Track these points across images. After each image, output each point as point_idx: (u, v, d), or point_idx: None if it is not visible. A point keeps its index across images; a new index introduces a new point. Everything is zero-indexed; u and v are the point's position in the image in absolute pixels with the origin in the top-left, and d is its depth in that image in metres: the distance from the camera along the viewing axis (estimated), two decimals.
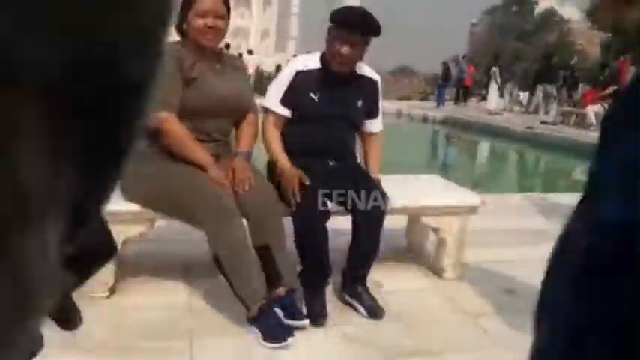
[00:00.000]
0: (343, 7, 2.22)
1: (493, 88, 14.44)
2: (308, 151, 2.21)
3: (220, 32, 2.03)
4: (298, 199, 2.04)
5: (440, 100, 15.66)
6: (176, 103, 1.95)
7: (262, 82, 21.27)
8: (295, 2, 60.75)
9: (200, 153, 1.98)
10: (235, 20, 51.82)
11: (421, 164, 7.06)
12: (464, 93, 16.65)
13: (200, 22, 1.99)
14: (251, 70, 18.67)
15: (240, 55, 15.27)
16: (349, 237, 2.18)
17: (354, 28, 2.11)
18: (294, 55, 21.91)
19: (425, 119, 13.38)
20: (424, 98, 20.60)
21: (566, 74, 12.84)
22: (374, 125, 2.39)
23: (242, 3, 54.63)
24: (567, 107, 12.33)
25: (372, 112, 2.35)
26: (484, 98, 16.01)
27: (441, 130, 12.11)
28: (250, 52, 19.46)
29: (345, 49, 2.12)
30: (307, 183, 2.08)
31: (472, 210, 2.49)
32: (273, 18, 57.40)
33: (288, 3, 60.19)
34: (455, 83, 16.68)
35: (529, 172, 8.71)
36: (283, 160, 2.17)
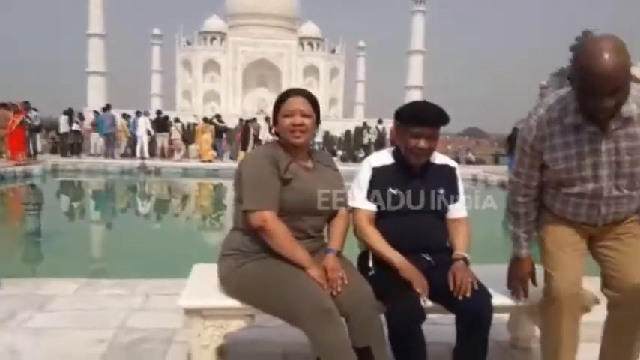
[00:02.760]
0: (407, 105, 2.23)
1: None
2: (399, 247, 2.14)
3: (308, 130, 2.09)
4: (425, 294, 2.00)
5: (511, 165, 15.44)
6: (276, 202, 2.00)
7: (333, 146, 22.08)
8: (361, 70, 64.97)
9: (299, 252, 1.99)
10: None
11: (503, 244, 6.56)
12: None
13: (287, 121, 2.06)
14: (319, 139, 18.96)
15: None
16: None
17: (426, 122, 2.13)
18: (365, 123, 22.56)
19: (502, 185, 12.78)
20: (496, 161, 21.00)
21: None
22: (456, 211, 2.29)
23: (310, 72, 57.67)
24: None
25: (453, 198, 2.28)
26: None
27: None
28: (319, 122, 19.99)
29: (422, 143, 2.13)
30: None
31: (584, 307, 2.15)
32: (340, 86, 60.78)
33: (354, 71, 63.84)
34: None
35: None
36: (395, 255, 2.10)
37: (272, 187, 2.01)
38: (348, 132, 23.91)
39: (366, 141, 20.11)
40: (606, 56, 1.61)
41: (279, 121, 2.09)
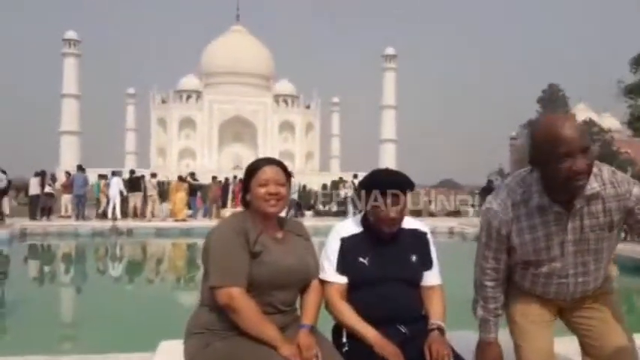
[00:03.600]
0: (371, 175, 2.21)
1: None
2: (373, 319, 2.06)
3: (283, 198, 2.07)
4: None
5: None
6: (244, 277, 1.94)
7: (310, 200, 21.72)
8: (335, 125, 67.12)
9: (269, 330, 1.90)
10: (281, 144, 56.81)
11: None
12: None
13: (262, 190, 2.03)
14: (294, 193, 18.26)
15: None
16: None
17: (392, 189, 2.10)
18: (340, 177, 22.46)
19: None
20: (456, 213, 20.88)
21: None
22: (430, 277, 2.23)
23: (286, 128, 59.23)
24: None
25: (426, 265, 2.23)
26: None
27: None
28: (291, 175, 19.13)
29: (393, 213, 2.09)
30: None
31: None
32: (316, 140, 62.24)
33: (329, 126, 65.98)
34: None
35: None
36: (368, 330, 2.02)
37: (240, 261, 1.94)
38: (324, 185, 24.12)
39: (342, 195, 20.20)
40: (569, 121, 1.72)
41: (254, 190, 2.05)
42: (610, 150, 42.45)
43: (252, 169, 2.08)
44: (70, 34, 55.23)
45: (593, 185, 1.77)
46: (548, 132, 1.70)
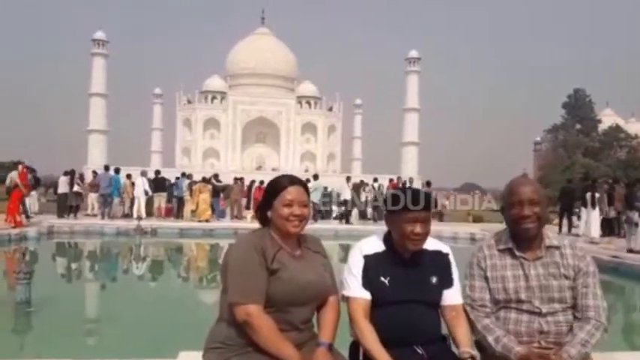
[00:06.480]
0: (396, 192, 2.23)
1: (593, 215, 13.88)
2: (391, 339, 2.06)
3: (305, 219, 2.12)
4: None
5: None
6: (262, 295, 1.96)
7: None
8: (357, 127, 66.98)
9: (286, 348, 1.92)
10: (303, 145, 57.06)
11: None
12: None
13: (286, 210, 2.06)
14: (317, 196, 18.31)
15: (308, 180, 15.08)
16: None
17: (419, 206, 2.12)
18: (362, 180, 22.23)
19: None
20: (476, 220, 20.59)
21: None
22: (451, 296, 2.21)
23: (308, 129, 59.23)
24: None
25: (446, 285, 2.22)
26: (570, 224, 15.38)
27: None
28: (316, 177, 19.42)
29: (418, 228, 2.11)
30: None
31: None
32: (338, 142, 62.18)
33: (351, 128, 65.94)
34: None
35: (617, 311, 7.20)
36: (382, 355, 2.01)
37: (258, 278, 1.96)
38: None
39: (363, 198, 20.15)
40: (527, 180, 2.31)
41: (277, 209, 2.07)
42: (636, 156, 41.24)
43: (277, 189, 2.10)
44: (99, 35, 56.14)
45: (552, 240, 2.19)
46: (509, 186, 2.22)
